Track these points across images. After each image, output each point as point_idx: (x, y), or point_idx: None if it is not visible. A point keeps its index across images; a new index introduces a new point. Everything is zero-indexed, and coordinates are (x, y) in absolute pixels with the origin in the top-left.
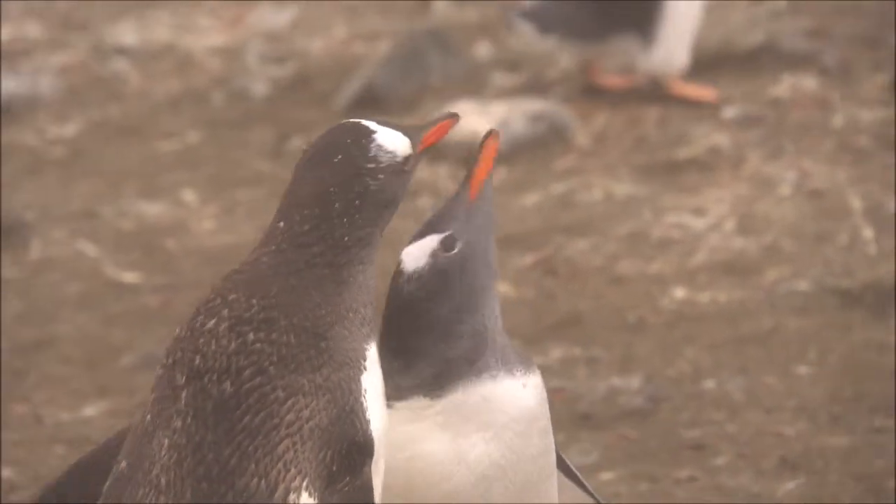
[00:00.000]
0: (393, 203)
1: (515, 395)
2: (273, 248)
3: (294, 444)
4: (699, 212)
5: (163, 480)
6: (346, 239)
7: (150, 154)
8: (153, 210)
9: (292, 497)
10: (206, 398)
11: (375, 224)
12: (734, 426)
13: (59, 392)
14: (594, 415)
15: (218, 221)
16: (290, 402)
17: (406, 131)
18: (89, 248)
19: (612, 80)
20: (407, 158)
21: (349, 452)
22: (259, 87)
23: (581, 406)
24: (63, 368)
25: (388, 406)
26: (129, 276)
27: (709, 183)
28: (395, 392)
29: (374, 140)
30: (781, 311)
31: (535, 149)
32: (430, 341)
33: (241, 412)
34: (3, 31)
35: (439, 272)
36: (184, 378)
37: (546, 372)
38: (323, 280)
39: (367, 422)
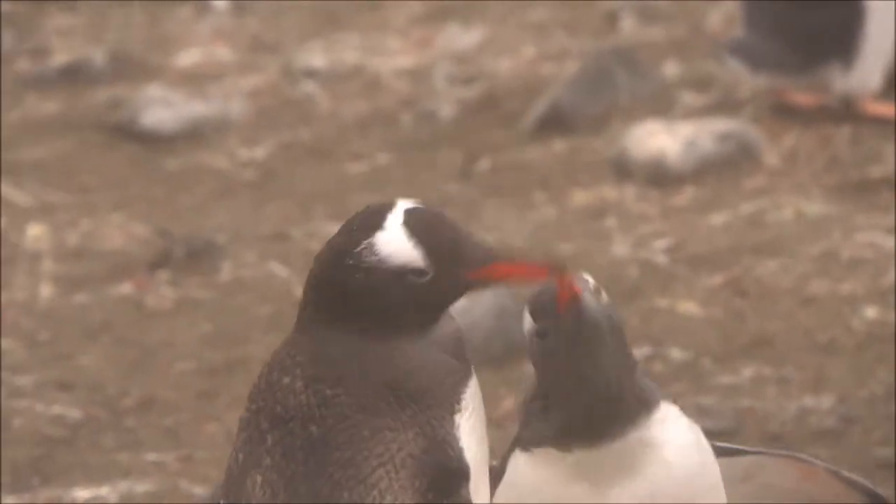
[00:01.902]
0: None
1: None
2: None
3: (388, 472)
4: (891, 231)
5: None
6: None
7: (339, 176)
8: None
9: None
10: (294, 438)
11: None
12: None
13: None
14: (785, 435)
15: None
16: (377, 438)
17: (464, 254)
18: (280, 270)
19: (802, 98)
20: (419, 270)
21: (444, 478)
22: (447, 109)
23: (772, 426)
24: None
25: (526, 450)
26: None
27: None
28: (532, 437)
29: (364, 248)
30: None
31: (724, 168)
32: (563, 392)
33: (330, 448)
34: (192, 54)
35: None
36: (268, 423)
37: (737, 391)
38: (396, 337)
39: (461, 449)
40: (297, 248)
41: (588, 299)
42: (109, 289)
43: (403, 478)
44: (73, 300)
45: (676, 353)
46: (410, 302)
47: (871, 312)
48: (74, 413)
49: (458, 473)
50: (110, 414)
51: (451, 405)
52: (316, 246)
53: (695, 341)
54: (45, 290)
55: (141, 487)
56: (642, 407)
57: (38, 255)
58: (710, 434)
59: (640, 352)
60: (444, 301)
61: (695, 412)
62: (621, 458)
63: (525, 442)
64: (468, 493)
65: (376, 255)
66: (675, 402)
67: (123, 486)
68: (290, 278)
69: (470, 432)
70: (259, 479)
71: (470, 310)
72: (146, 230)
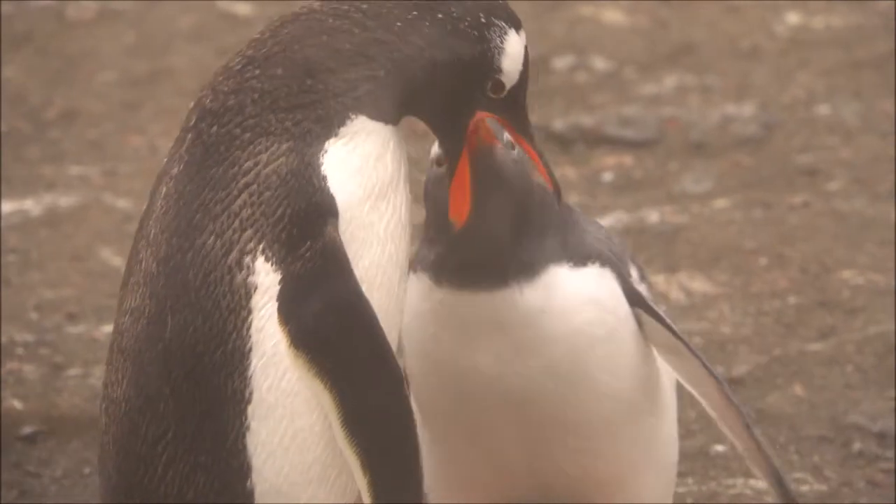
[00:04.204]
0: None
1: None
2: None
3: (251, 195)
4: None
5: (152, 232)
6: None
7: None
8: None
9: (247, 260)
10: (199, 143)
11: None
12: (848, 151)
13: (173, 124)
14: (708, 143)
15: None
16: (251, 147)
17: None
18: None
19: None
20: (501, 84)
21: (307, 212)
22: None
23: (694, 134)
24: (177, 100)
25: (413, 269)
26: (243, 8)
27: None
28: (418, 258)
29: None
30: None
31: None
32: None
33: (212, 161)
34: None
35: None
36: (193, 119)
37: (660, 100)
38: (384, 9)
39: (324, 178)
40: None
41: (500, 151)
42: None
43: (266, 203)
44: None
45: (600, 63)
46: (455, 83)
47: (793, 18)
48: None
49: (321, 207)
50: (34, 126)
51: (331, 127)
52: None
53: (619, 50)
54: None
55: (65, 200)
56: (525, 268)
57: None
58: (632, 143)
59: (563, 61)
60: (451, 104)
61: (618, 122)
62: (486, 312)
63: (415, 260)
64: (335, 230)
65: (497, 38)
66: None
67: (48, 198)
68: None
69: (342, 164)
70: (164, 189)
71: None
72: None
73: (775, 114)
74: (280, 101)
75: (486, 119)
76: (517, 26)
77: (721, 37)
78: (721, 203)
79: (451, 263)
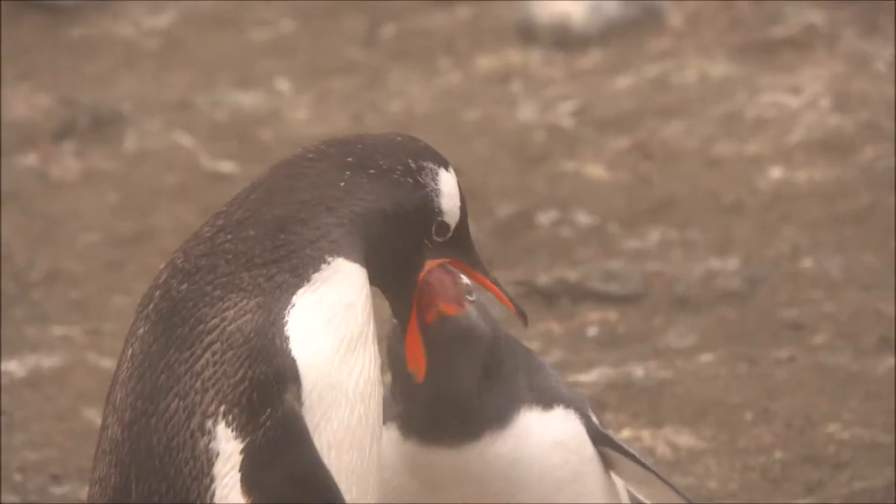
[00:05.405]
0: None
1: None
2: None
3: (214, 354)
4: (795, 90)
5: (118, 397)
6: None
7: (243, 43)
8: (248, 99)
9: (209, 424)
10: (167, 300)
11: None
12: (833, 305)
13: None
14: (692, 297)
15: (311, 110)
16: (220, 304)
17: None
18: (185, 139)
19: None
20: (447, 226)
21: (267, 376)
22: None
23: (678, 289)
24: (161, 260)
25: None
26: (225, 166)
27: (804, 61)
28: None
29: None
30: (879, 187)
31: (629, 30)
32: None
33: (178, 318)
34: None
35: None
36: (163, 277)
37: (643, 256)
38: (323, 173)
39: (287, 338)
40: (202, 117)
41: (464, 319)
42: (14, 160)
43: (228, 363)
44: None
45: (584, 218)
46: (403, 235)
47: (775, 172)
48: None
49: (280, 374)
50: (17, 287)
51: (304, 276)
52: (221, 115)
53: (602, 205)
54: None
55: (48, 361)
56: (496, 419)
57: None
58: (616, 298)
59: (547, 216)
60: (401, 258)
61: (602, 277)
62: (456, 466)
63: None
64: (294, 397)
65: (431, 181)
66: (579, 408)
67: (31, 360)
68: (195, 147)
69: (309, 318)
70: (129, 352)
71: None
72: (51, 100)
73: (759, 268)
74: (255, 258)
75: (432, 281)
76: (445, 164)
77: (703, 191)
78: (706, 358)
79: (421, 419)
